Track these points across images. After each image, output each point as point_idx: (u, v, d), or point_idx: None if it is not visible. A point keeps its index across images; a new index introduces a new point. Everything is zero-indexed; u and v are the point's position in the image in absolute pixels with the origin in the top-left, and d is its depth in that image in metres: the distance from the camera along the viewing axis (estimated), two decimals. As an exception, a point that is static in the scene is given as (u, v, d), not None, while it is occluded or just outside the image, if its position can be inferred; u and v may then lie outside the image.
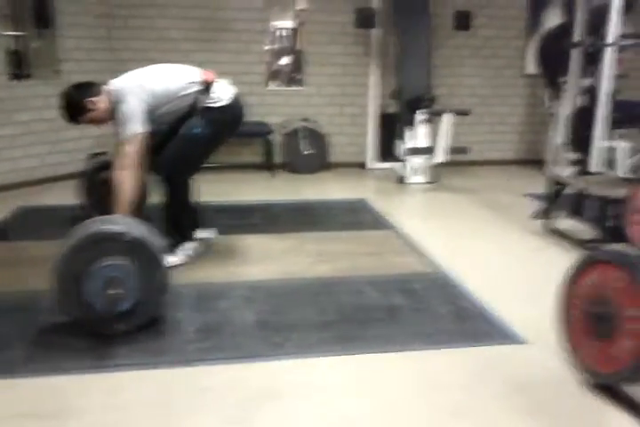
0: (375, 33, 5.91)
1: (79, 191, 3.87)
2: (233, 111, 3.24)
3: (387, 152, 6.08)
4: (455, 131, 5.57)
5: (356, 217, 4.50)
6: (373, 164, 6.20)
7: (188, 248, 3.36)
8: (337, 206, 4.77)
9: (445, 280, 3.21)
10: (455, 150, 5.49)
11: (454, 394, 2.16)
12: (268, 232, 3.62)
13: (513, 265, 3.52)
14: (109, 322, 2.46)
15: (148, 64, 5.45)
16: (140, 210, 3.12)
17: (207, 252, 3.53)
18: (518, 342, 2.54)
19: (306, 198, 4.95)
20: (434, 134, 5.49)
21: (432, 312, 2.82)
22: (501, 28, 6.25)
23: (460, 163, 6.01)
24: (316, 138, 5.93)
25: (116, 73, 5.39)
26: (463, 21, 5.82)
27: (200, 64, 5.47)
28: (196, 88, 3.12)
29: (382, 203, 4.80)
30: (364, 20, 5.65)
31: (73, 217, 3.30)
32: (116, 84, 3.07)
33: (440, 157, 5.31)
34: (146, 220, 2.80)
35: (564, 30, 3.94)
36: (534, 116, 6.53)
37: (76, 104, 3.02)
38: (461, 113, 5.54)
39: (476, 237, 4.04)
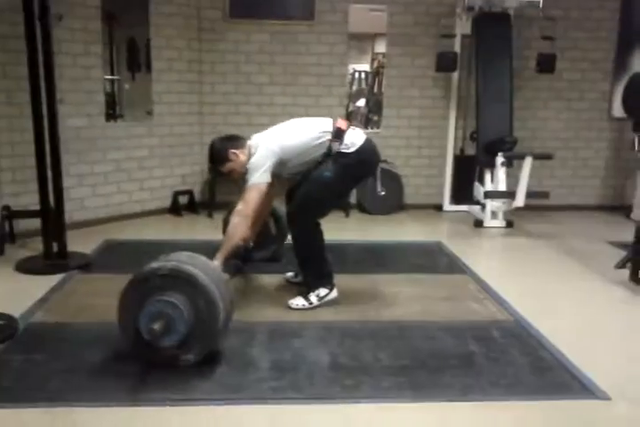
0: (455, 76, 5.94)
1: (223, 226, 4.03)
2: (364, 156, 3.28)
3: (463, 195, 6.03)
4: (536, 174, 5.47)
5: (431, 260, 4.46)
6: (449, 206, 6.14)
7: (321, 294, 3.36)
8: (411, 248, 4.74)
9: (523, 329, 3.11)
10: (536, 195, 5.37)
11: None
12: (341, 272, 3.63)
13: (595, 316, 3.38)
14: (163, 355, 2.52)
15: (234, 107, 5.83)
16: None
17: (280, 290, 3.58)
18: (601, 398, 2.42)
19: (379, 239, 4.95)
20: (512, 177, 5.41)
21: (509, 362, 2.74)
22: (587, 71, 6.15)
23: (539, 207, 5.86)
24: (392, 179, 5.96)
25: (203, 115, 5.81)
26: (547, 64, 5.76)
27: (284, 106, 5.84)
28: (328, 137, 3.21)
29: (458, 246, 4.74)
30: (446, 63, 5.70)
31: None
32: (256, 138, 3.26)
33: (520, 201, 5.21)
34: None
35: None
36: (619, 160, 6.32)
37: (218, 154, 3.24)
38: (544, 157, 5.44)
39: (556, 284, 3.91)
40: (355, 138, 3.26)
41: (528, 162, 5.21)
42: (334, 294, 3.41)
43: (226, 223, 3.95)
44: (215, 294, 2.52)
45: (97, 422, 2.18)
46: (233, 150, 3.21)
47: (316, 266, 3.39)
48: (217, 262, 2.98)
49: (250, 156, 3.20)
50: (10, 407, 2.25)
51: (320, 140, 3.21)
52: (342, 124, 3.28)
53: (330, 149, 3.22)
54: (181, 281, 2.49)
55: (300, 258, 3.38)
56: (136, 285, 2.54)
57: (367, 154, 3.31)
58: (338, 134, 3.22)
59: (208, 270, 2.62)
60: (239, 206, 3.12)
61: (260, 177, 3.10)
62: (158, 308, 2.44)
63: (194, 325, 2.48)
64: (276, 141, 3.19)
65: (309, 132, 3.24)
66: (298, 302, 3.32)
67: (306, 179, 3.28)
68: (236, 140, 3.28)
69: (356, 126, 3.39)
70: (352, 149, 3.23)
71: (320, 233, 3.34)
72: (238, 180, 3.33)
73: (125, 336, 2.55)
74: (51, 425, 2.15)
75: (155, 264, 2.58)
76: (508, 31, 5.69)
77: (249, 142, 3.27)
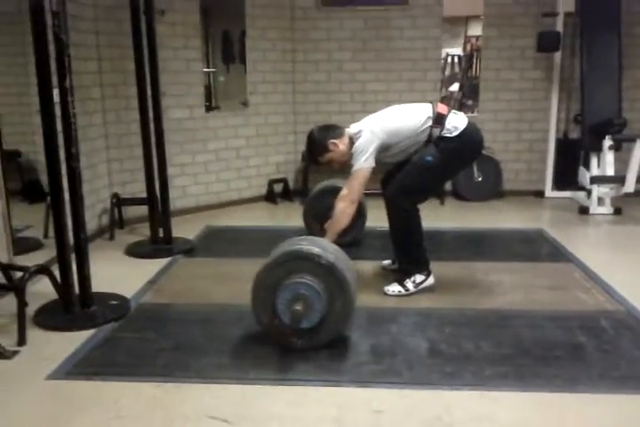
0: (558, 56, 5.66)
1: (304, 214, 4.21)
2: (468, 140, 3.20)
3: (566, 180, 5.75)
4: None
5: (533, 248, 4.29)
6: (552, 192, 5.88)
7: (417, 280, 3.33)
8: (511, 236, 4.57)
9: (636, 320, 2.94)
10: (646, 179, 5.04)
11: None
12: (437, 260, 3.57)
13: None
14: (294, 337, 2.58)
15: (326, 95, 5.84)
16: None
17: (377, 276, 3.58)
18: None
19: (477, 227, 4.82)
20: (620, 162, 5.10)
21: (622, 354, 2.60)
22: None
23: (650, 193, 5.51)
24: (490, 164, 5.77)
25: (297, 104, 5.87)
26: (659, 40, 5.39)
27: (377, 93, 5.80)
28: (430, 122, 3.17)
29: (562, 234, 4.52)
30: (547, 43, 5.44)
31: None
32: (357, 126, 3.26)
33: (630, 186, 4.90)
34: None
35: None
36: None
37: (318, 144, 3.26)
38: (655, 139, 5.09)
39: (671, 274, 3.66)
40: (457, 122, 3.18)
41: (639, 145, 4.89)
42: (431, 280, 3.35)
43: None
44: (348, 278, 2.56)
45: (204, 397, 2.26)
46: (332, 140, 3.21)
47: (413, 252, 3.34)
48: None
49: (350, 144, 3.20)
50: (124, 381, 2.39)
51: (424, 126, 3.16)
52: (443, 108, 3.21)
53: (431, 135, 3.16)
54: (315, 264, 2.53)
55: (397, 244, 3.34)
56: (271, 269, 2.58)
57: (470, 138, 3.22)
58: (439, 120, 3.16)
59: (339, 255, 2.68)
60: (344, 192, 3.13)
61: (365, 162, 3.09)
62: (296, 290, 2.49)
63: (328, 307, 2.53)
64: (380, 126, 3.17)
65: (413, 117, 3.20)
66: (394, 288, 3.30)
67: (405, 163, 3.24)
68: (335, 130, 3.28)
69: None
70: (454, 134, 3.15)
71: (418, 218, 3.28)
72: (337, 168, 3.35)
73: (260, 320, 2.62)
74: (162, 398, 2.25)
75: (287, 248, 2.63)
76: (615, 6, 5.35)
77: (347, 130, 3.26)
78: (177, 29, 4.97)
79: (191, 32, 5.08)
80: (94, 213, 4.44)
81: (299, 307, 2.46)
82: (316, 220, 3.99)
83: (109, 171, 4.70)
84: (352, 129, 3.26)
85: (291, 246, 2.65)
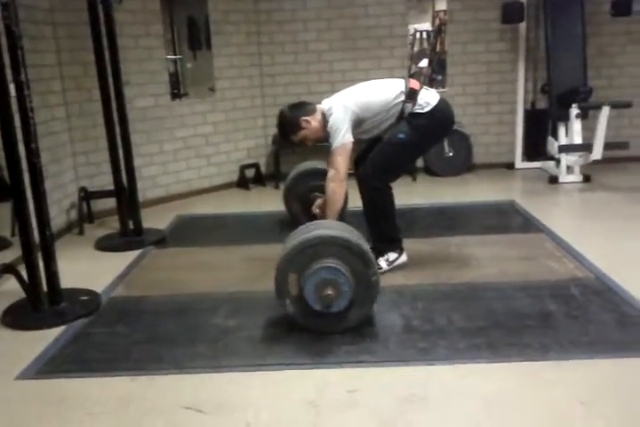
0: (522, 27, 5.65)
1: (284, 197, 4.18)
2: (440, 116, 3.20)
3: (536, 151, 5.79)
4: (613, 124, 5.17)
5: (505, 220, 4.33)
6: (522, 163, 5.92)
7: (390, 258, 3.33)
8: (483, 209, 4.61)
9: (605, 286, 2.98)
10: (614, 146, 5.08)
11: (624, 407, 2.00)
12: (411, 237, 3.58)
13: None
14: (326, 321, 2.59)
15: (294, 77, 5.78)
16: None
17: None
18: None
19: (449, 202, 4.84)
20: (588, 130, 5.14)
21: (592, 320, 2.64)
22: (667, 10, 5.71)
23: (618, 159, 5.55)
24: (460, 139, 5.77)
25: (265, 87, 5.80)
26: (622, 6, 5.37)
27: (344, 72, 5.75)
28: (403, 97, 3.15)
29: (533, 204, 4.56)
30: (512, 14, 5.42)
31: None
32: (329, 102, 3.22)
33: (597, 153, 4.95)
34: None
35: None
36: None
37: (291, 123, 3.21)
38: (622, 105, 5.12)
39: (638, 240, 3.71)
40: (428, 98, 3.17)
41: (605, 112, 4.93)
42: (404, 258, 3.37)
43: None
44: (372, 258, 2.58)
45: (178, 388, 2.25)
46: (305, 117, 3.17)
47: (386, 230, 3.34)
48: None
49: (323, 120, 3.17)
50: (96, 377, 2.36)
51: (397, 100, 3.15)
52: (415, 84, 3.20)
53: (403, 110, 3.15)
54: (337, 247, 2.54)
55: (371, 222, 3.33)
56: (290, 257, 2.56)
57: (442, 113, 3.21)
58: (411, 95, 3.14)
59: (355, 234, 2.69)
60: (331, 172, 3.10)
61: (343, 137, 3.07)
62: (323, 275, 2.49)
63: (355, 289, 2.53)
64: (353, 99, 3.14)
65: (385, 92, 3.17)
66: None
67: (378, 141, 3.22)
68: (306, 107, 3.24)
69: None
70: (426, 109, 3.14)
71: (391, 196, 3.28)
72: (310, 145, 3.34)
73: (291, 310, 2.61)
74: (135, 392, 2.24)
75: (311, 232, 2.61)
76: (577, -27, 5.35)
77: (319, 106, 3.23)
78: (137, 17, 4.87)
79: (152, 19, 4.98)
80: (62, 209, 4.38)
81: (330, 291, 2.47)
82: (298, 202, 4.01)
83: (75, 164, 4.62)
84: (324, 105, 3.22)
85: (308, 233, 2.62)
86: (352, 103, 3.12)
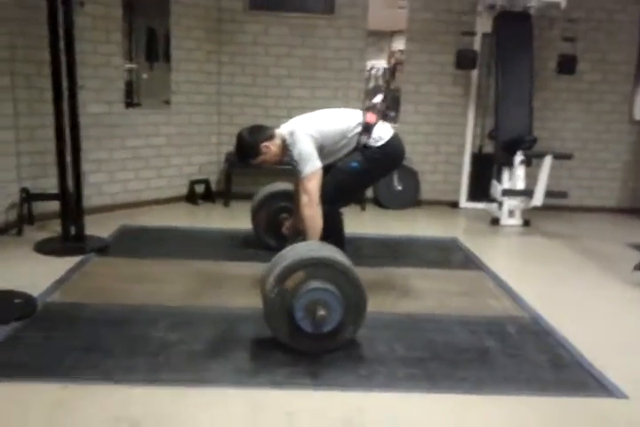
0: (475, 74, 5.91)
1: (252, 216, 4.16)
2: (391, 150, 3.30)
3: (480, 192, 6.00)
4: (554, 174, 5.43)
5: (447, 256, 4.44)
6: (466, 203, 6.11)
7: None
8: (427, 244, 4.72)
9: (540, 326, 3.09)
10: (554, 194, 5.32)
11: (550, 444, 2.06)
12: (356, 265, 3.60)
13: (612, 316, 3.34)
14: (317, 341, 2.60)
15: (251, 99, 5.82)
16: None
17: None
18: (619, 397, 2.40)
19: (395, 234, 4.93)
20: (530, 177, 5.38)
21: (525, 358, 2.72)
22: (608, 73, 6.09)
23: (556, 207, 5.83)
24: (409, 175, 5.94)
25: (222, 106, 5.81)
26: (567, 65, 5.71)
27: (301, 99, 5.84)
28: (359, 129, 3.22)
29: (474, 243, 4.71)
30: (465, 61, 5.67)
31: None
32: (288, 127, 3.24)
33: (538, 199, 5.18)
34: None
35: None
36: (639, 163, 6.26)
37: (251, 147, 3.20)
38: (563, 157, 5.39)
39: (573, 284, 3.88)
40: (383, 132, 3.27)
41: (548, 161, 5.18)
42: None
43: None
44: (359, 279, 2.63)
45: (112, 399, 2.18)
46: (264, 143, 3.19)
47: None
48: None
49: (283, 145, 3.20)
50: (24, 382, 2.26)
51: (354, 131, 3.22)
52: (372, 118, 3.29)
53: (358, 142, 3.23)
54: (328, 269, 2.57)
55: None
56: (287, 273, 2.56)
57: (393, 148, 3.32)
58: (367, 128, 3.23)
59: (343, 255, 2.75)
60: (305, 199, 3.09)
61: (312, 164, 3.09)
62: (313, 297, 2.50)
63: (346, 309, 2.55)
64: (314, 127, 3.19)
65: (344, 121, 3.25)
66: None
67: (331, 168, 3.27)
68: (265, 131, 3.25)
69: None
70: (380, 143, 3.24)
71: (340, 223, 3.32)
72: (268, 167, 3.38)
73: (278, 333, 2.61)
74: (67, 400, 2.15)
75: (292, 259, 2.61)
76: (528, 31, 5.63)
77: (277, 131, 3.26)
78: (97, 22, 4.82)
79: (113, 26, 4.94)
80: (0, 208, 4.20)
81: (322, 312, 2.47)
82: (266, 222, 4.06)
83: (19, 164, 4.45)
84: (283, 130, 3.25)
85: (297, 254, 2.64)
86: (313, 130, 3.17)
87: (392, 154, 3.33)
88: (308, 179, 3.09)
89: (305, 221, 3.13)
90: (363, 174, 3.27)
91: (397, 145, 3.35)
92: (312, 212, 3.09)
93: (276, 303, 2.56)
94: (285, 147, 3.20)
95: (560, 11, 5.52)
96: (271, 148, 3.20)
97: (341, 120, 3.26)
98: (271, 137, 3.22)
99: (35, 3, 4.14)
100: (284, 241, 3.63)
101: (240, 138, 3.25)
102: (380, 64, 9.55)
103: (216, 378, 2.38)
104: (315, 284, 2.53)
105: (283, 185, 4.19)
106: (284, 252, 2.75)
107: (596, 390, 2.45)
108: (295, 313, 2.52)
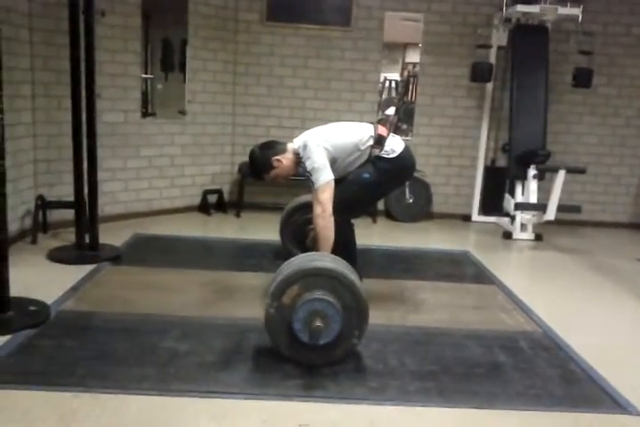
0: (489, 87, 5.92)
1: (280, 228, 4.15)
2: (403, 163, 3.33)
3: (492, 206, 5.98)
4: (567, 189, 5.41)
5: (458, 269, 4.42)
6: (478, 217, 6.10)
7: None
8: (438, 257, 4.71)
9: (552, 341, 3.07)
10: (567, 209, 5.30)
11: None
12: (367, 277, 3.62)
13: (624, 331, 3.33)
14: (313, 353, 2.58)
15: (266, 109, 5.86)
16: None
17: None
18: (632, 413, 2.37)
19: (407, 246, 4.92)
20: (543, 191, 5.36)
21: (537, 372, 2.70)
22: (623, 87, 6.08)
23: (569, 222, 5.81)
24: (421, 187, 5.93)
25: (237, 116, 5.85)
26: (583, 79, 5.69)
27: (315, 111, 5.87)
28: (371, 142, 3.25)
29: (486, 257, 4.69)
30: (480, 74, 5.67)
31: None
32: (301, 140, 3.26)
33: (551, 214, 5.16)
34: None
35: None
36: (653, 179, 6.24)
37: (263, 163, 3.25)
38: (577, 171, 5.38)
39: (585, 299, 3.86)
40: (395, 145, 3.29)
41: (561, 175, 5.16)
42: None
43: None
44: (361, 289, 2.60)
45: (123, 409, 2.18)
46: (276, 157, 3.22)
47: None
48: None
49: (296, 158, 3.23)
50: (39, 390, 2.27)
51: (366, 144, 3.24)
52: (383, 131, 3.32)
53: (370, 154, 3.25)
54: (326, 278, 2.55)
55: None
56: (288, 283, 2.56)
57: (405, 160, 3.35)
58: (379, 141, 3.25)
59: (347, 267, 2.72)
60: (318, 209, 3.10)
61: (326, 175, 3.11)
62: (312, 307, 2.49)
63: (345, 321, 2.53)
64: (327, 140, 3.20)
65: (356, 134, 3.26)
66: None
67: (342, 180, 3.28)
68: (276, 146, 3.28)
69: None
70: (392, 155, 3.26)
71: (352, 233, 3.33)
72: (282, 182, 3.42)
73: (280, 346, 2.61)
74: (78, 409, 2.16)
75: (303, 264, 2.63)
76: (544, 44, 5.65)
77: (290, 145, 3.28)
78: (116, 32, 4.87)
79: (131, 36, 4.99)
80: (16, 215, 4.25)
81: (319, 323, 2.46)
82: (293, 234, 4.04)
83: (35, 172, 4.51)
84: (294, 143, 3.28)
85: (301, 264, 2.64)
86: (326, 143, 3.19)
87: (404, 166, 3.36)
88: (321, 190, 3.11)
89: (317, 231, 3.14)
90: (374, 186, 3.29)
91: (409, 157, 3.38)
92: (325, 222, 3.10)
93: (276, 318, 2.55)
94: (298, 160, 3.22)
95: (577, 24, 5.52)
96: (283, 162, 3.23)
97: (353, 133, 3.28)
98: (283, 151, 3.25)
99: (57, 13, 4.22)
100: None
101: (252, 154, 3.30)
102: (393, 76, 9.60)
103: (226, 389, 2.37)
104: (309, 295, 2.51)
105: (304, 198, 4.19)
106: (283, 265, 2.75)
107: (608, 406, 2.43)
108: (294, 325, 2.50)
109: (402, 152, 3.29)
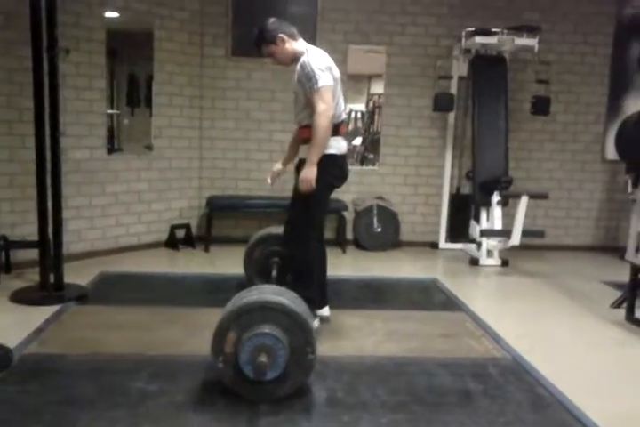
0: (452, 116, 6.06)
1: (244, 262, 4.10)
2: (339, 164, 3.35)
3: (459, 233, 6.07)
4: (530, 214, 5.53)
5: (427, 297, 4.46)
6: (445, 244, 6.17)
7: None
8: (407, 285, 4.74)
9: (521, 366, 3.10)
10: (531, 233, 5.41)
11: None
12: (337, 308, 3.64)
13: (592, 355, 3.37)
14: (260, 388, 2.55)
15: (233, 142, 5.90)
16: None
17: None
18: (601, 438, 2.40)
19: (376, 275, 4.95)
20: (507, 217, 5.47)
21: (508, 399, 2.72)
22: (580, 114, 6.29)
23: (534, 247, 5.92)
24: (389, 216, 6.00)
25: (204, 150, 5.87)
26: (542, 106, 5.88)
27: (282, 143, 5.91)
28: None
29: (454, 284, 4.74)
30: (442, 103, 5.82)
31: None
32: (305, 46, 3.30)
33: (516, 239, 5.25)
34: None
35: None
36: (612, 202, 6.40)
37: (271, 34, 3.27)
38: (539, 196, 5.51)
39: (552, 323, 3.91)
40: (338, 144, 3.32)
41: (524, 201, 5.27)
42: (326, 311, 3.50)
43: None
44: (309, 323, 2.57)
45: (90, 455, 2.14)
46: (283, 35, 3.26)
47: (312, 285, 3.35)
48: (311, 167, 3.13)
49: (297, 55, 3.25)
50: (1, 440, 2.22)
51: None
52: (344, 129, 3.38)
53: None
54: (275, 313, 2.53)
55: (296, 275, 3.39)
56: (235, 317, 2.54)
57: (340, 164, 3.37)
58: (335, 130, 3.27)
59: (295, 300, 2.68)
60: (321, 107, 3.09)
61: (327, 79, 3.13)
62: (257, 342, 2.47)
63: (291, 356, 2.51)
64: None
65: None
66: None
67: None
68: (292, 30, 3.31)
69: (351, 163, 3.47)
70: (330, 152, 3.26)
71: (324, 262, 3.43)
72: (273, 63, 3.45)
73: (226, 376, 2.57)
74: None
75: (241, 301, 2.60)
76: (503, 74, 5.82)
77: (302, 43, 3.31)
78: (81, 69, 4.89)
79: (96, 72, 5.00)
80: (-23, 256, 4.17)
81: (263, 358, 2.44)
82: (257, 266, 4.00)
83: (-2, 211, 4.46)
84: (304, 48, 3.29)
85: (248, 298, 2.62)
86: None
87: (337, 168, 3.34)
88: (324, 89, 3.11)
89: (317, 128, 3.11)
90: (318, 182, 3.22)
91: (343, 165, 3.39)
92: (326, 122, 3.11)
93: (227, 371, 2.54)
94: (297, 59, 3.24)
95: (533, 54, 5.72)
96: (286, 44, 3.27)
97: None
98: (292, 36, 3.29)
99: (20, 52, 4.22)
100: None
101: (266, 22, 3.32)
102: (358, 107, 9.78)
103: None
104: (247, 335, 2.48)
105: (276, 229, 4.19)
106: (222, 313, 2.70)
107: (578, 432, 2.46)
108: (244, 369, 2.49)
109: (340, 155, 3.35)
